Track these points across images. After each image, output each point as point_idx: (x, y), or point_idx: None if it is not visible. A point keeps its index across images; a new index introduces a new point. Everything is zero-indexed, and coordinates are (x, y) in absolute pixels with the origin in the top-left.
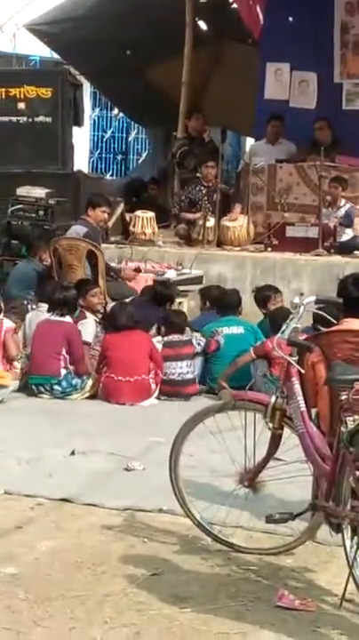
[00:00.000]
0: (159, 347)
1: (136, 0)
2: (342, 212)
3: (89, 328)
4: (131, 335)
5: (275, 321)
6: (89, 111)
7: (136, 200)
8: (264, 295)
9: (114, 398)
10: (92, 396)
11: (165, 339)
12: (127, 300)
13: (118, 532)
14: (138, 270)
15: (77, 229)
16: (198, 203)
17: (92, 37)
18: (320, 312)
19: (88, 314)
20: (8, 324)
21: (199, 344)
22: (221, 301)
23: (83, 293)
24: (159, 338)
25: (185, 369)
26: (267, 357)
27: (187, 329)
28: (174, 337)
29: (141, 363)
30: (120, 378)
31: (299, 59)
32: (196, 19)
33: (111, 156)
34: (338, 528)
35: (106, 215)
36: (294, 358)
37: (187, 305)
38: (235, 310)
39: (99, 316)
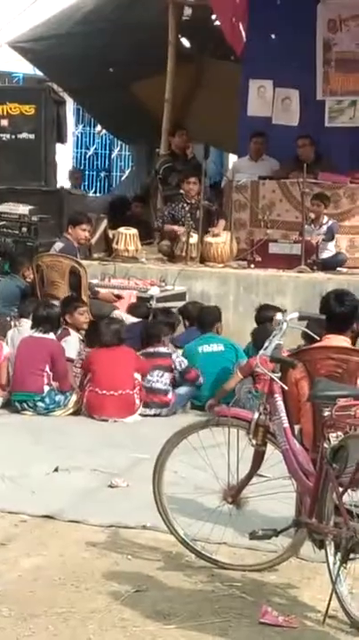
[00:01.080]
0: None
1: (119, 17)
2: (325, 228)
3: (72, 345)
4: (117, 351)
5: (257, 338)
6: (72, 128)
7: (119, 217)
8: (270, 316)
9: (97, 413)
10: (76, 413)
11: (142, 351)
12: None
13: (102, 548)
14: (119, 297)
15: (56, 246)
16: (181, 219)
17: (76, 54)
18: (306, 330)
19: (72, 331)
20: (7, 349)
21: (180, 364)
22: (199, 318)
23: (70, 310)
24: None
25: (156, 377)
26: (252, 374)
27: (170, 344)
28: (149, 349)
29: (126, 378)
30: (104, 392)
31: (282, 76)
32: (179, 36)
33: (94, 172)
34: (321, 544)
35: (86, 233)
36: (277, 375)
37: None
38: (211, 327)
39: (83, 333)
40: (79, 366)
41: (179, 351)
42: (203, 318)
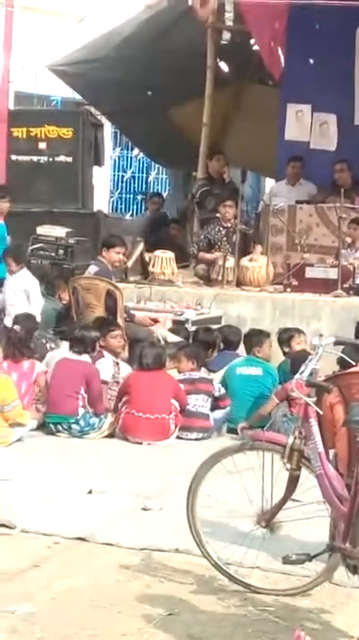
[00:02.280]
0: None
1: (157, 41)
2: None
3: (106, 367)
4: (157, 375)
5: (295, 363)
6: (109, 151)
7: (156, 238)
8: (288, 335)
9: (132, 434)
10: (110, 435)
11: (183, 375)
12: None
13: (135, 571)
14: (155, 321)
15: (90, 269)
16: (217, 243)
17: (114, 78)
18: (342, 354)
19: (106, 353)
20: (40, 367)
21: (219, 390)
22: (245, 339)
23: (104, 333)
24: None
25: (201, 402)
26: (288, 398)
27: (204, 368)
28: (194, 374)
29: (163, 402)
30: (140, 414)
31: (320, 100)
32: (218, 60)
33: (131, 196)
34: (355, 569)
35: (120, 256)
36: (313, 399)
37: None
38: (236, 347)
39: (119, 356)
40: (114, 389)
41: (216, 378)
42: (246, 342)
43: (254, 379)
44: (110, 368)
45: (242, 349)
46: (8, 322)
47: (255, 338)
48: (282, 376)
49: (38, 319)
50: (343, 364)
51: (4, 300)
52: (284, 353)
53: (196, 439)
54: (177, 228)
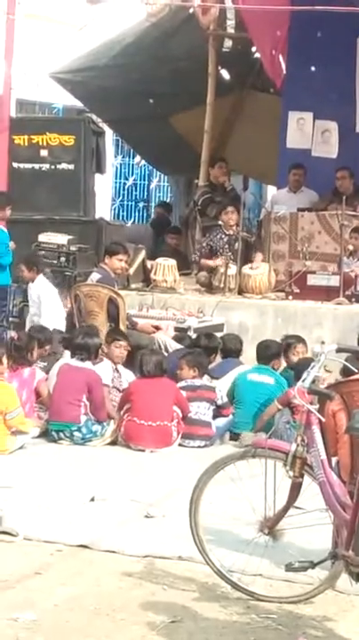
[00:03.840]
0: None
1: (159, 49)
2: None
3: (104, 372)
4: (158, 382)
5: (300, 370)
6: (111, 159)
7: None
8: (287, 344)
9: (134, 442)
10: (113, 443)
11: (184, 383)
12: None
13: (138, 578)
14: (157, 328)
15: (92, 276)
16: (219, 250)
17: (115, 86)
18: (345, 362)
19: (104, 358)
20: (41, 374)
21: (222, 398)
22: (258, 351)
23: (108, 341)
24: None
25: (203, 410)
26: (290, 405)
27: (206, 376)
28: (196, 381)
29: (165, 409)
30: (142, 422)
31: (322, 108)
32: (219, 68)
33: (133, 203)
34: (358, 577)
35: (122, 263)
36: (315, 406)
37: None
38: (267, 361)
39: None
40: (114, 393)
41: (216, 382)
42: (263, 351)
43: (264, 386)
44: (109, 373)
45: (243, 357)
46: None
47: (272, 350)
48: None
49: (53, 326)
50: (346, 374)
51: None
52: (286, 362)
53: (199, 447)
54: (175, 237)
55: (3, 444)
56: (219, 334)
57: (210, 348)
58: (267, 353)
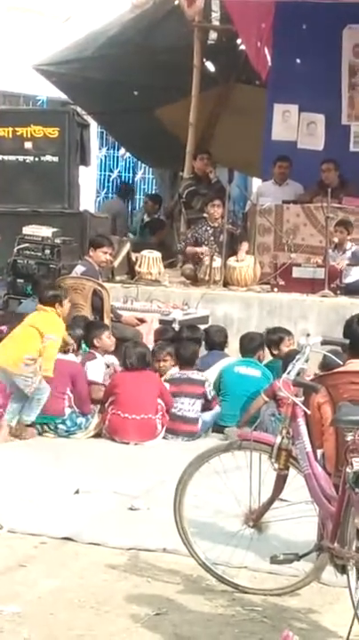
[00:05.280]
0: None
1: (144, 41)
2: (349, 254)
3: (97, 368)
4: (142, 375)
5: (287, 363)
6: (96, 151)
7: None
8: (278, 337)
9: (119, 435)
10: (97, 435)
11: (169, 375)
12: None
13: (122, 571)
14: (142, 321)
15: (77, 269)
16: (204, 242)
17: (100, 78)
18: (328, 354)
19: (97, 354)
20: None
21: (210, 393)
22: (241, 344)
23: (99, 334)
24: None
25: (187, 406)
26: (275, 397)
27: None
28: (181, 373)
29: (149, 402)
30: (126, 415)
31: (307, 100)
32: (204, 60)
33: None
34: (343, 569)
35: (107, 256)
36: (300, 399)
37: None
38: (254, 353)
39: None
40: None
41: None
42: (247, 344)
43: (252, 379)
44: (102, 369)
45: (228, 349)
46: None
47: (256, 342)
48: (272, 375)
49: None
50: (326, 365)
51: None
52: (273, 354)
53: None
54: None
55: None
56: (203, 326)
57: (193, 340)
58: (252, 345)
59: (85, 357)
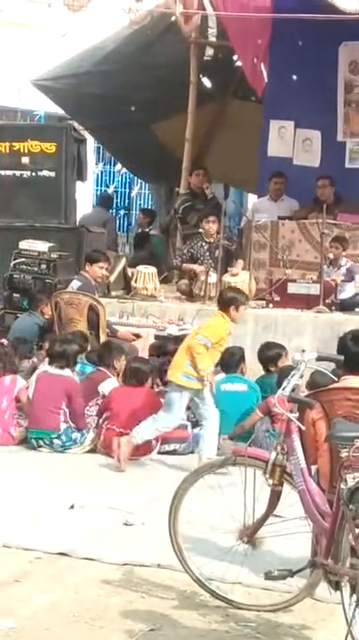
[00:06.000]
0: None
1: (141, 57)
2: (344, 270)
3: (112, 387)
4: (136, 390)
5: (281, 378)
6: (92, 166)
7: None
8: (276, 353)
9: (113, 451)
10: (92, 450)
11: (162, 388)
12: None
13: (117, 586)
14: (138, 336)
15: (73, 284)
16: (200, 258)
17: (97, 93)
18: (322, 369)
19: (109, 374)
20: (22, 382)
21: None
22: (223, 359)
23: (118, 356)
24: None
25: None
26: (270, 413)
27: None
28: None
29: (144, 418)
30: (121, 430)
31: (303, 117)
32: (200, 76)
33: (114, 211)
34: (336, 586)
35: (103, 271)
36: (295, 415)
37: None
38: (236, 368)
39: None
40: None
41: None
42: (228, 359)
43: (239, 395)
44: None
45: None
46: None
47: (237, 356)
48: (264, 390)
49: None
50: (313, 384)
51: None
52: (268, 370)
53: (173, 450)
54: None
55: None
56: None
57: (160, 348)
58: (233, 360)
59: (98, 377)
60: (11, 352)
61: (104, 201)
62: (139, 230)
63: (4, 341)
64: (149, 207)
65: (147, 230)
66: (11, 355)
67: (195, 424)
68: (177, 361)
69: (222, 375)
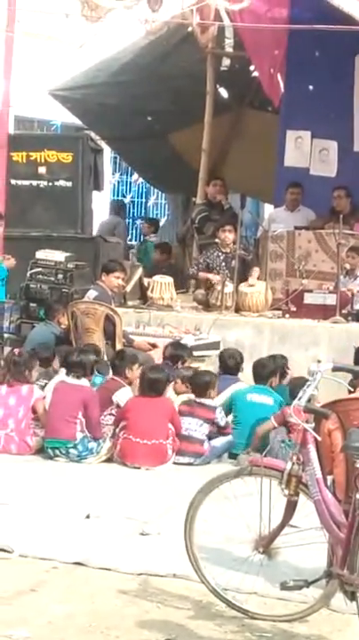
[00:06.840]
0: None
1: (157, 67)
2: None
3: (126, 397)
4: (155, 400)
5: (295, 389)
6: (109, 176)
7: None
8: (277, 365)
9: (129, 460)
10: (108, 460)
11: (185, 397)
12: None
13: (133, 596)
14: (154, 346)
15: (89, 294)
16: (216, 268)
17: (114, 103)
18: (339, 380)
19: (124, 383)
20: (38, 392)
21: (222, 420)
22: (255, 370)
23: (130, 365)
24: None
25: (195, 426)
26: (286, 423)
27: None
28: (197, 399)
29: (160, 427)
30: (137, 440)
31: (320, 127)
32: (217, 86)
33: (130, 220)
34: (352, 596)
35: (119, 281)
36: (311, 425)
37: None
38: (266, 381)
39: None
40: None
41: (219, 407)
42: (260, 370)
43: (264, 407)
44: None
45: (241, 375)
46: None
47: (269, 370)
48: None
49: None
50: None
51: None
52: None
53: (189, 463)
54: (164, 254)
55: None
56: (216, 352)
57: (175, 357)
58: (265, 372)
59: (111, 384)
60: (22, 362)
61: (115, 207)
62: (143, 239)
63: (17, 351)
64: (166, 217)
65: (147, 238)
66: (22, 364)
67: (213, 438)
68: None
69: (244, 384)
